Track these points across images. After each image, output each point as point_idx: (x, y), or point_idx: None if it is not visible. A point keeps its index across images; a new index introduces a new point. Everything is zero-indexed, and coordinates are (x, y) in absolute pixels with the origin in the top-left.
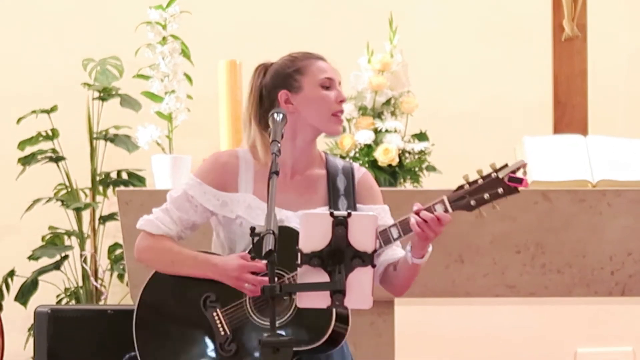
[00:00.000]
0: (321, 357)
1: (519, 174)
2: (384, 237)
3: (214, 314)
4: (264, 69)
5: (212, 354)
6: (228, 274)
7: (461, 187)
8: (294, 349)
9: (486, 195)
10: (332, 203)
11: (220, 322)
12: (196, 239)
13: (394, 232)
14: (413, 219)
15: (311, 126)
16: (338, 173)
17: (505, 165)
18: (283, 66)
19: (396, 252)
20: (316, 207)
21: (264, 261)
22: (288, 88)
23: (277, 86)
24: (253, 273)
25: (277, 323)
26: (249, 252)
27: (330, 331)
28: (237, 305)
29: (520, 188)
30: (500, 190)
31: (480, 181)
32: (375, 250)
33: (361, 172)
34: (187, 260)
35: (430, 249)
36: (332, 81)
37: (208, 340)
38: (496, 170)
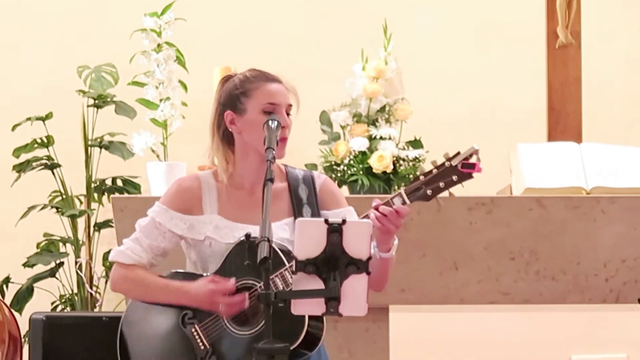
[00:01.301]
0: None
1: (472, 160)
2: None
3: (192, 330)
4: (225, 80)
5: None
6: (201, 300)
7: (417, 178)
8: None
9: (441, 184)
10: (297, 213)
11: (199, 337)
12: (172, 258)
13: None
14: (373, 214)
15: (254, 149)
16: (299, 183)
17: (458, 153)
18: (233, 86)
19: None
20: (282, 219)
21: (232, 280)
22: (233, 109)
23: (225, 105)
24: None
25: (254, 330)
26: (217, 272)
27: (304, 334)
28: (213, 318)
29: (475, 174)
30: (454, 177)
31: (435, 171)
32: (370, 258)
33: (321, 179)
34: (159, 290)
35: (396, 242)
36: (276, 106)
37: (189, 357)
38: (449, 159)
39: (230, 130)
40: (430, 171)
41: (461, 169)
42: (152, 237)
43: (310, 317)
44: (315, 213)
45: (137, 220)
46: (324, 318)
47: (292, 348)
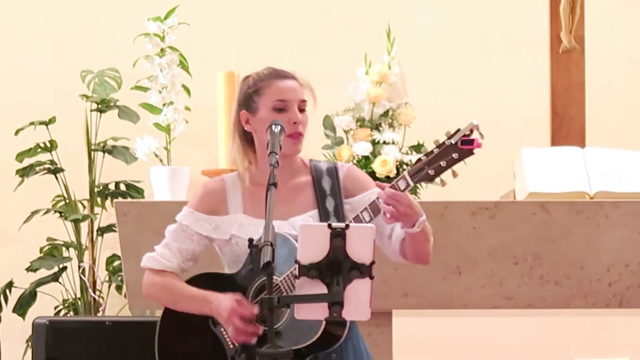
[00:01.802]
0: (333, 355)
1: (473, 137)
2: (357, 222)
3: (222, 329)
4: (244, 80)
5: None
6: (220, 313)
7: (419, 160)
8: (297, 347)
9: (442, 163)
10: (320, 204)
11: (228, 336)
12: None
13: (366, 216)
14: (379, 201)
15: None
16: (323, 175)
17: (458, 130)
18: (246, 85)
19: None
20: (305, 212)
21: (256, 308)
22: (247, 109)
23: (241, 105)
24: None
25: (278, 325)
26: (240, 270)
27: (323, 326)
28: None
29: (475, 150)
30: (455, 155)
31: (436, 150)
32: (373, 262)
33: (345, 168)
34: (186, 299)
35: (422, 218)
36: (286, 103)
37: (221, 356)
38: (450, 137)
39: (248, 129)
40: (432, 151)
41: (461, 145)
42: (181, 241)
43: None
44: (338, 202)
45: (140, 225)
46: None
47: (313, 341)
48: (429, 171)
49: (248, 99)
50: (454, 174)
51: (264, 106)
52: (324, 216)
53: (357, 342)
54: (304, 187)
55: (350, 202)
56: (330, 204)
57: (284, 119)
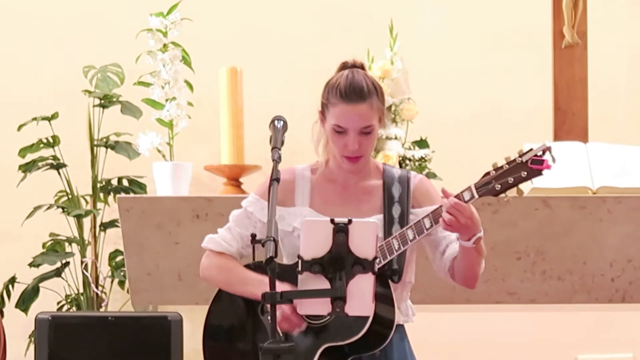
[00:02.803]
0: (377, 353)
1: (544, 157)
2: (418, 228)
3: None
4: (341, 67)
5: None
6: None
7: (488, 173)
8: (338, 343)
9: (510, 179)
10: (386, 210)
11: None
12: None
13: (427, 223)
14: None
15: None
16: (394, 182)
17: (530, 150)
18: (324, 91)
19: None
20: (370, 216)
21: (305, 325)
22: (323, 112)
23: (321, 102)
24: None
25: (324, 320)
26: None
27: (368, 325)
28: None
29: (544, 171)
30: (523, 173)
31: (506, 166)
32: (375, 257)
33: (417, 178)
34: (242, 280)
35: (479, 233)
36: (345, 129)
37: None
38: (521, 155)
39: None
40: (502, 166)
41: (530, 164)
42: (243, 226)
43: (378, 311)
44: (405, 211)
45: (143, 220)
46: (395, 312)
47: (354, 340)
48: (496, 186)
49: (323, 105)
50: (520, 193)
51: (328, 121)
52: (388, 222)
53: (402, 343)
54: (373, 190)
55: (416, 213)
56: (396, 211)
57: (341, 141)
